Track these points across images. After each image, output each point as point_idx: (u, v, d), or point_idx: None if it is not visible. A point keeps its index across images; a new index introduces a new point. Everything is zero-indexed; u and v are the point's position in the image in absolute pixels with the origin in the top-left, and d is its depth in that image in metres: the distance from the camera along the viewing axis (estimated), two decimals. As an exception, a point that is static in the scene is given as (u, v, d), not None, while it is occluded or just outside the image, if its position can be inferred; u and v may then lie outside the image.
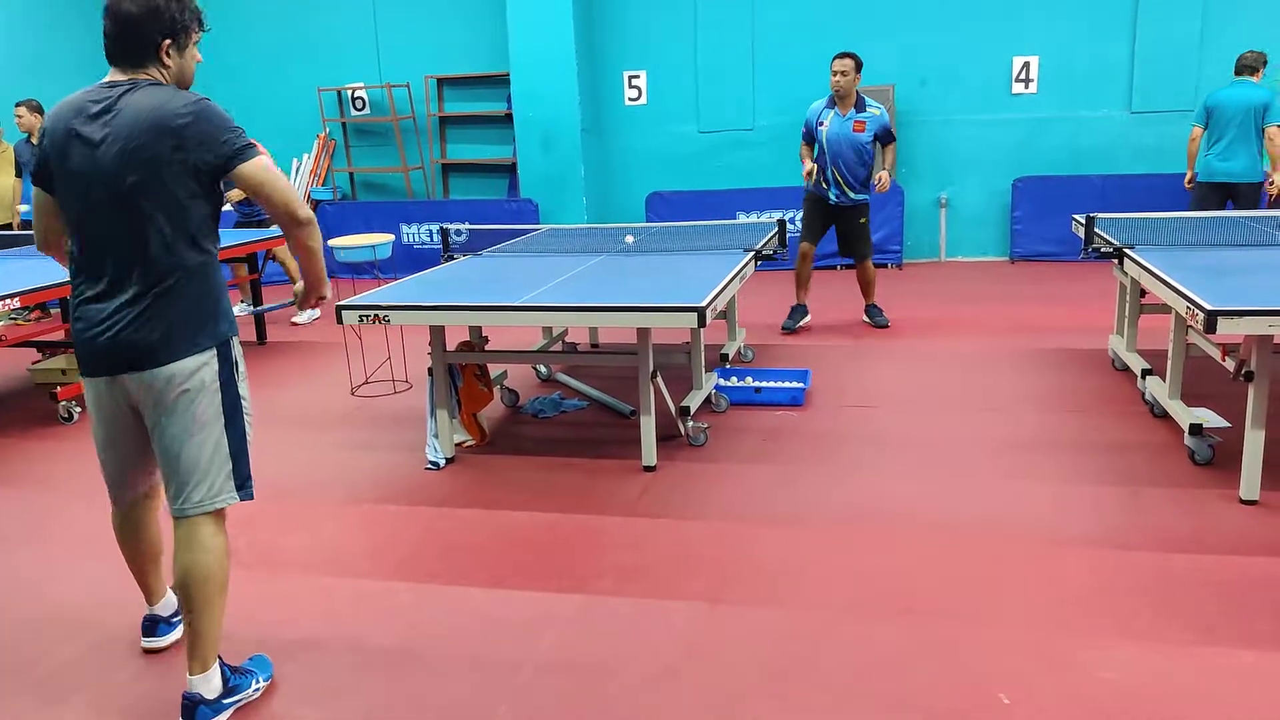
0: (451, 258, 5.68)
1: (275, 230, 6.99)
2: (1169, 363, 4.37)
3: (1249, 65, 7.07)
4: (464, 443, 4.62)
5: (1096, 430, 4.48)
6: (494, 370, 4.96)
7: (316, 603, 3.21)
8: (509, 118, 9.77)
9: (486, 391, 4.71)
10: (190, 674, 2.55)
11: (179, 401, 2.45)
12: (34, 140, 7.89)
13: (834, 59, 6.35)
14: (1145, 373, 4.77)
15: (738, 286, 4.73)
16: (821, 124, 6.43)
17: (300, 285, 2.81)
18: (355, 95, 10.28)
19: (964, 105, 9.11)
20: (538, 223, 9.21)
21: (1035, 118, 9.02)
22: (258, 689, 2.68)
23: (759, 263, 5.29)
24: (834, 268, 8.69)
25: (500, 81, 9.81)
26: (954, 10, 8.92)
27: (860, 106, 6.40)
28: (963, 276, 8.67)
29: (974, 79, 9.04)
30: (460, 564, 3.45)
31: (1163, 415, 4.52)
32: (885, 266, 9.09)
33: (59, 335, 6.18)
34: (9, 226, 8.04)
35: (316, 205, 10.24)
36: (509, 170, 10.19)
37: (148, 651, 2.93)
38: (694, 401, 4.58)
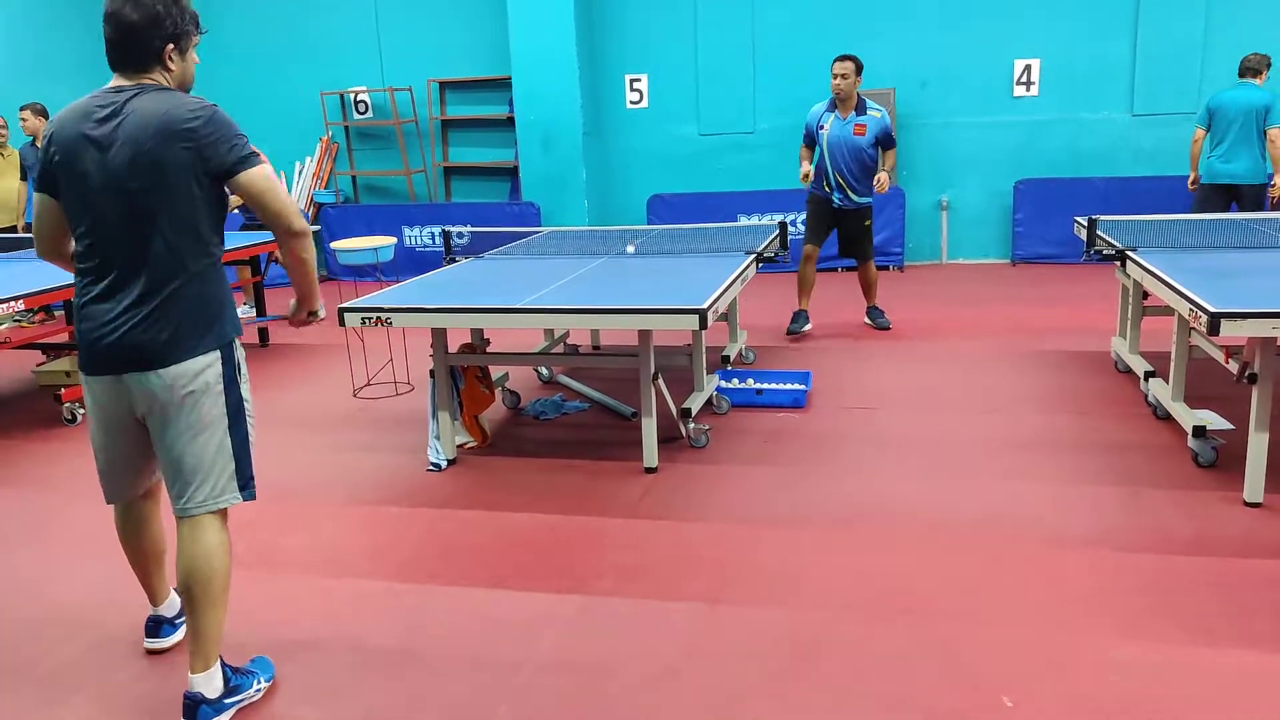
0: (453, 260, 5.68)
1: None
2: (1172, 365, 4.37)
3: (1252, 68, 7.08)
4: (466, 444, 4.63)
5: (1098, 431, 4.48)
6: (496, 372, 4.97)
7: (317, 603, 3.22)
8: (510, 121, 9.78)
9: (488, 393, 4.72)
10: (192, 672, 2.55)
11: (185, 403, 2.47)
12: (39, 144, 7.91)
13: (834, 61, 6.33)
14: (1148, 375, 4.76)
15: (739, 289, 4.73)
16: (822, 127, 6.42)
17: (293, 301, 2.80)
18: (358, 98, 10.30)
19: (965, 107, 9.11)
20: (539, 225, 9.22)
21: (1036, 120, 9.02)
22: (259, 690, 2.68)
23: (760, 265, 5.29)
24: (835, 270, 8.69)
25: (502, 85, 9.82)
26: (955, 12, 8.93)
27: (861, 109, 6.38)
28: (964, 278, 8.67)
29: (975, 81, 9.03)
30: (461, 565, 3.45)
31: (1165, 417, 4.51)
32: (887, 268, 9.09)
33: (63, 338, 6.19)
34: (13, 229, 8.06)
35: (319, 208, 10.27)
36: (510, 173, 10.20)
37: (150, 652, 2.94)
38: (695, 403, 4.58)
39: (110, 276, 2.45)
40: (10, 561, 3.65)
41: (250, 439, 2.64)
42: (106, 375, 2.50)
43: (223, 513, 2.60)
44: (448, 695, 2.66)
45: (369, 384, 5.85)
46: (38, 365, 6.28)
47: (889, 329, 6.68)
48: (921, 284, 8.51)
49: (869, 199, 6.53)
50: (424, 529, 3.78)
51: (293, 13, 10.28)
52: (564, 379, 5.64)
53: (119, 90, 2.46)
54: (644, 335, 4.15)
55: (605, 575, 3.31)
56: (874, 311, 6.81)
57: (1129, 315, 5.19)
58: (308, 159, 10.44)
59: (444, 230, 5.85)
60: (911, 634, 2.85)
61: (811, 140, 6.50)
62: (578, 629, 2.98)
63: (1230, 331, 3.34)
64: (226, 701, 2.58)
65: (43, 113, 7.93)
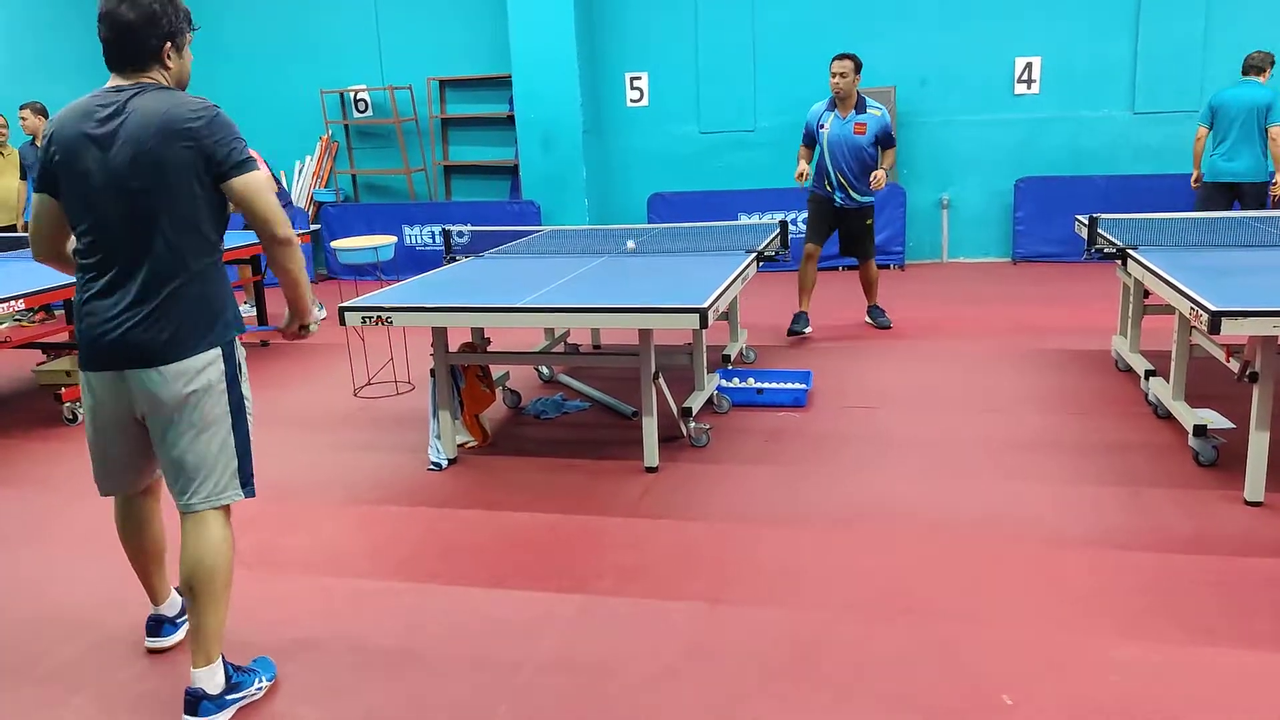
0: (454, 259, 5.68)
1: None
2: (1172, 364, 4.36)
3: (1256, 65, 7.07)
4: (466, 444, 4.62)
5: (1099, 431, 4.47)
6: (496, 371, 4.96)
7: (317, 602, 3.22)
8: (511, 119, 9.77)
9: (489, 393, 4.72)
10: (194, 667, 2.56)
11: (188, 402, 2.49)
12: (38, 143, 7.90)
13: (833, 60, 6.31)
14: (1149, 374, 4.76)
15: (740, 288, 4.73)
16: (822, 126, 6.41)
17: (287, 312, 2.77)
18: (357, 97, 10.29)
19: (965, 106, 9.10)
20: (539, 224, 9.22)
21: (1037, 118, 9.01)
22: (260, 688, 2.68)
23: (761, 264, 5.28)
24: (836, 269, 8.68)
25: (502, 83, 9.82)
26: (955, 11, 8.91)
27: (861, 108, 6.37)
28: (965, 277, 8.67)
29: (975, 80, 9.02)
30: (461, 564, 3.45)
31: (1166, 416, 4.51)
32: (887, 267, 9.08)
33: (63, 337, 6.19)
34: (12, 228, 8.06)
35: (319, 207, 10.26)
36: (511, 172, 10.20)
37: (151, 651, 2.94)
38: (696, 402, 4.58)
39: (111, 274, 2.46)
40: (10, 561, 3.65)
41: (250, 442, 2.66)
42: (107, 371, 2.51)
43: (226, 509, 2.62)
44: (448, 695, 2.66)
45: (369, 383, 5.85)
46: (38, 365, 6.28)
47: (890, 328, 6.68)
48: (922, 283, 8.51)
49: (870, 198, 6.52)
50: (424, 528, 3.78)
51: (292, 11, 10.27)
52: (564, 378, 5.64)
53: (119, 90, 2.46)
54: (644, 334, 4.15)
55: (605, 575, 3.31)
56: (875, 310, 6.81)
57: (1130, 314, 5.18)
58: (308, 158, 10.44)
59: (444, 229, 5.85)
60: (912, 634, 2.85)
61: (811, 139, 6.48)
62: (578, 629, 2.98)
63: (1231, 330, 3.34)
64: (228, 698, 2.59)
65: (42, 112, 7.93)
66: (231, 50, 10.27)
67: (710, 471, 4.21)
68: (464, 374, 4.58)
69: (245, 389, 2.63)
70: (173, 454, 2.52)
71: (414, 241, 9.90)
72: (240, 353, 2.63)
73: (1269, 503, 3.59)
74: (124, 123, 2.40)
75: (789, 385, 5.13)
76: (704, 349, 4.78)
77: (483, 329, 4.76)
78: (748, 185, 9.41)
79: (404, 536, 3.72)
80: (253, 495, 2.66)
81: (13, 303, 4.90)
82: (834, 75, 6.28)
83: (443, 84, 10.18)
